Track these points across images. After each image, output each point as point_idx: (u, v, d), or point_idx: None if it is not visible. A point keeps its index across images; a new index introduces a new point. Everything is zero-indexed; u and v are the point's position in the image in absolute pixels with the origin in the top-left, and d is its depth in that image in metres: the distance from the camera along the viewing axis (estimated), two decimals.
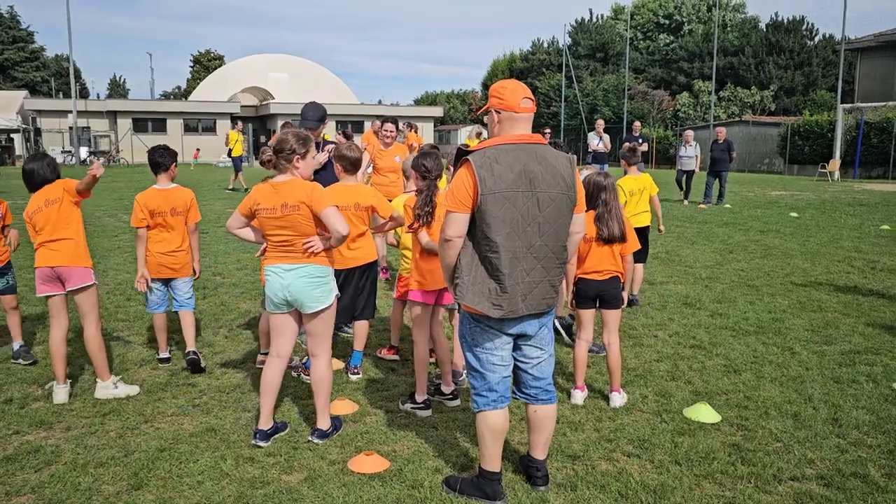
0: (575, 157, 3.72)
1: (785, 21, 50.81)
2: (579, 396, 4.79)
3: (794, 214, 15.42)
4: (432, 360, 5.49)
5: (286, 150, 4.03)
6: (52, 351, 4.81)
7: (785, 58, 49.32)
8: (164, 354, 5.56)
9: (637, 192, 7.11)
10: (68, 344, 4.95)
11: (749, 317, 6.97)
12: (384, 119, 8.90)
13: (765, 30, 52.48)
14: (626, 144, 8.15)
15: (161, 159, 5.34)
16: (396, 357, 5.65)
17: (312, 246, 4.01)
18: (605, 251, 4.74)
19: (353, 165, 5.10)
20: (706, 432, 4.31)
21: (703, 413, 4.51)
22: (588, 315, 4.88)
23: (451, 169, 4.64)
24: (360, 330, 5.37)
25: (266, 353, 5.38)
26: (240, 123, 24.38)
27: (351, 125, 42.90)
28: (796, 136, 33.61)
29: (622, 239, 4.73)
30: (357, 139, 13.30)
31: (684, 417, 4.52)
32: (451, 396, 4.75)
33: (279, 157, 4.06)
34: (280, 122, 18.70)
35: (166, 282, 5.48)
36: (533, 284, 3.31)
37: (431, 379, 5.07)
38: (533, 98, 3.41)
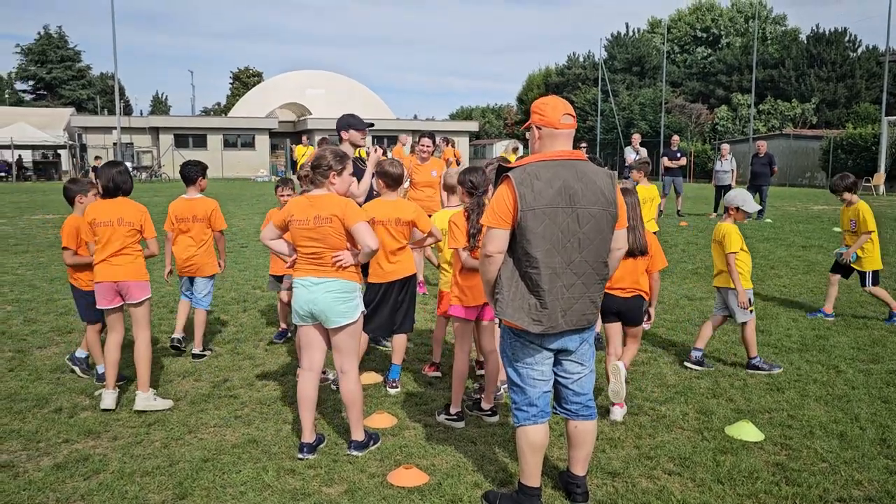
0: (616, 172, 3.72)
1: (826, 33, 49.98)
2: (618, 413, 4.75)
3: (837, 230, 15.09)
4: (481, 372, 5.51)
5: (323, 165, 4.12)
6: (106, 357, 4.95)
7: (827, 70, 48.46)
8: (176, 335, 6.09)
9: (648, 201, 8.06)
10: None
11: (792, 334, 6.84)
12: (421, 134, 8.99)
13: (806, 42, 51.68)
14: (643, 157, 9.15)
15: (189, 174, 6.06)
16: (438, 374, 5.67)
17: (341, 260, 4.07)
18: (629, 266, 4.73)
19: (395, 181, 5.16)
20: (749, 451, 4.24)
21: (746, 431, 4.44)
22: (613, 329, 4.87)
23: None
24: (398, 344, 5.41)
25: None
26: (305, 138, 24.32)
27: (387, 140, 43.29)
28: (839, 149, 32.95)
29: (643, 252, 4.73)
30: (388, 154, 13.40)
31: (726, 435, 4.45)
32: (490, 412, 4.75)
33: (316, 173, 4.15)
34: (318, 138, 18.89)
35: (190, 280, 6.17)
36: (573, 300, 3.31)
37: (469, 394, 5.08)
38: (574, 114, 3.43)
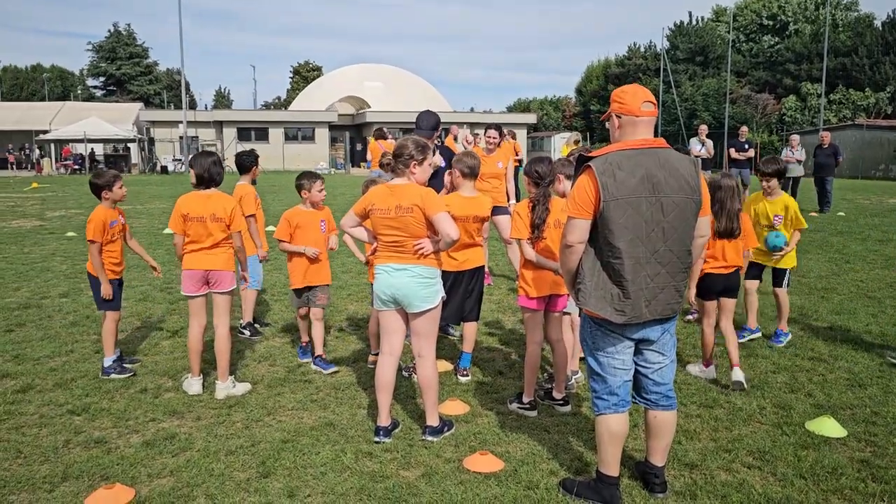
0: (699, 159, 3.68)
1: None
2: (739, 374, 5.12)
3: None
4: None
5: (405, 155, 4.18)
6: (191, 346, 5.11)
7: None
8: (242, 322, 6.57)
9: None
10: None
11: (872, 329, 6.62)
12: (488, 126, 9.00)
13: (880, 28, 49.55)
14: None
15: (239, 163, 6.51)
16: None
17: (423, 248, 4.13)
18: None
19: (472, 171, 5.21)
20: (831, 447, 4.14)
21: (828, 427, 4.33)
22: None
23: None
24: (468, 332, 5.45)
25: (377, 354, 5.54)
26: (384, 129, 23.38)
27: (444, 132, 43.30)
28: None
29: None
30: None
31: (807, 430, 4.35)
32: (561, 402, 4.75)
33: (398, 162, 4.21)
34: (374, 129, 18.99)
35: None
36: (657, 290, 3.28)
37: (541, 384, 5.09)
38: (654, 101, 3.39)
